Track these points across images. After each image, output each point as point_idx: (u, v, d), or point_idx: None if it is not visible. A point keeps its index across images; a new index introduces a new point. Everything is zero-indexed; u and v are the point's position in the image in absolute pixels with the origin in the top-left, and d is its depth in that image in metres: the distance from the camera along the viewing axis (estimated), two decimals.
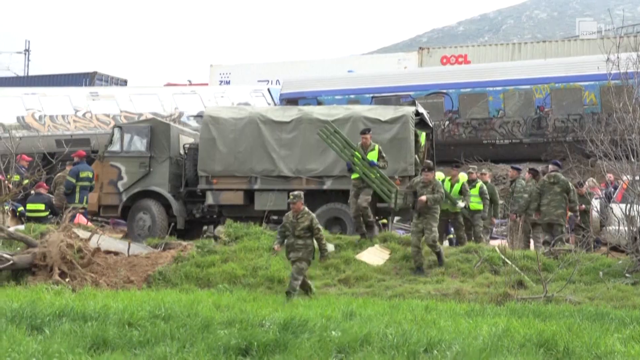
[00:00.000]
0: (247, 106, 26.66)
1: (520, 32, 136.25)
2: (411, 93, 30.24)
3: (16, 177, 20.60)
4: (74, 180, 20.53)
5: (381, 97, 30.49)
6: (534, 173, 20.22)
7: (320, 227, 14.69)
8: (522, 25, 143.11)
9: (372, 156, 17.67)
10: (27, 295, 13.28)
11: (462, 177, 19.91)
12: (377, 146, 17.75)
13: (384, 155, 17.75)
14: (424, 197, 16.01)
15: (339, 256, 16.99)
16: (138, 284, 15.62)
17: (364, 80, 32.91)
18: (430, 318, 11.55)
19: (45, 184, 21.82)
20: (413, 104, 21.93)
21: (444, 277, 15.82)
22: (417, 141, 20.04)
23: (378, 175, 17.74)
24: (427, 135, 21.49)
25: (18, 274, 15.36)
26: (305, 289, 14.55)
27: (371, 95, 31.09)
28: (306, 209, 14.69)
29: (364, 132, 17.95)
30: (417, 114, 20.51)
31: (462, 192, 19.28)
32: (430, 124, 21.75)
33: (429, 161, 17.52)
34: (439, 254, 16.32)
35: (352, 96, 31.41)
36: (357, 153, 17.75)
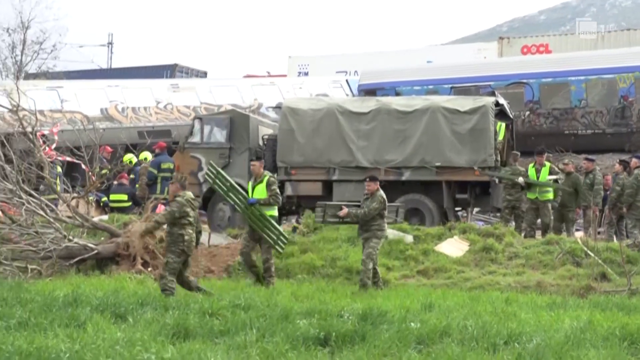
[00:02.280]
0: (326, 97, 26.67)
1: (604, 20, 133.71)
2: (491, 83, 29.89)
3: (105, 171, 21.04)
4: (155, 171, 20.84)
5: (460, 88, 30.21)
6: (625, 165, 19.74)
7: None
8: (605, 14, 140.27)
9: (259, 191, 14.78)
10: (111, 284, 13.56)
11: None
12: (266, 177, 14.90)
13: (274, 187, 14.86)
14: (345, 210, 14.55)
15: (418, 247, 16.91)
16: (218, 273, 15.81)
17: (442, 71, 32.64)
18: (511, 310, 11.43)
19: (127, 175, 22.18)
20: (493, 94, 21.70)
21: (524, 269, 15.64)
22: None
23: (258, 214, 14.70)
24: (507, 126, 21.24)
25: (102, 263, 15.67)
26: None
27: (450, 85, 30.83)
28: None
29: (252, 160, 15.94)
30: (497, 104, 20.28)
31: (552, 174, 18.75)
32: (511, 115, 21.48)
33: (373, 174, 15.86)
34: (364, 273, 14.17)
35: (430, 87, 31.18)
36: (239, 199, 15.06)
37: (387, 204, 14.45)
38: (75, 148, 18.72)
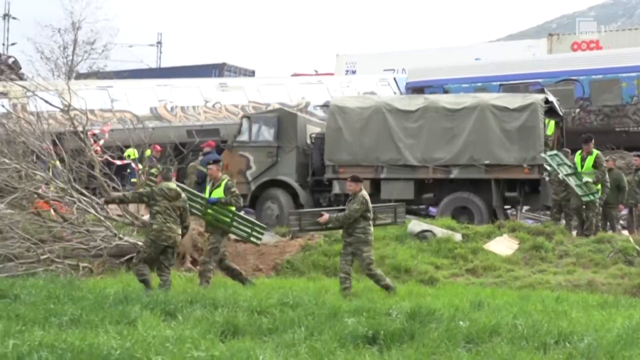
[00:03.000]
0: (373, 95, 26.66)
1: None
2: (540, 80, 29.60)
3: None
4: (205, 170, 20.96)
5: (509, 85, 29.96)
6: None
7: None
8: None
9: (217, 195, 14.08)
10: (156, 281, 13.66)
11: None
12: (224, 181, 14.16)
13: (234, 189, 14.16)
14: (325, 216, 13.73)
15: (467, 246, 16.82)
16: (267, 272, 15.87)
17: (491, 68, 32.37)
18: (561, 309, 11.32)
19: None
20: (542, 91, 21.50)
21: (575, 267, 15.48)
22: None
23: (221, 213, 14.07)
24: (556, 123, 21.04)
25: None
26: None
27: (499, 83, 30.57)
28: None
29: (210, 163, 15.06)
30: (547, 101, 20.10)
31: (596, 166, 18.30)
32: (560, 112, 21.27)
33: (355, 174, 14.72)
34: (377, 280, 13.55)
35: (479, 84, 30.94)
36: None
37: (370, 205, 13.44)
38: (125, 147, 18.91)
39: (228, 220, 14.03)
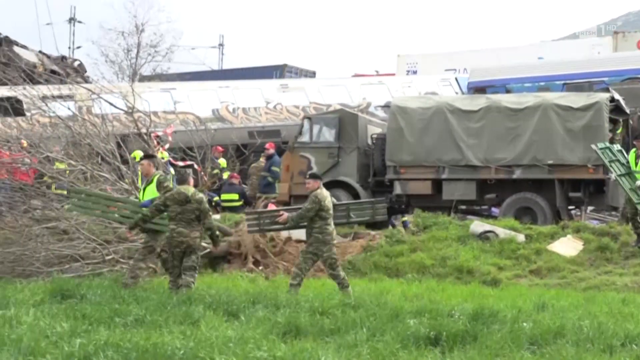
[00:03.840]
0: (435, 96, 26.51)
1: None
2: (605, 79, 29.17)
3: (223, 164, 21.39)
4: (279, 170, 21.12)
5: (573, 84, 29.58)
6: None
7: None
8: None
9: (150, 191, 13.67)
10: (223, 282, 13.78)
11: None
12: (156, 177, 13.69)
13: (167, 184, 13.67)
14: (284, 215, 13.49)
15: (530, 247, 16.65)
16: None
17: (555, 67, 31.98)
18: (628, 311, 11.15)
19: (237, 175, 22.49)
20: (607, 90, 21.18)
21: None
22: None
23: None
24: (623, 122, 20.71)
25: (214, 261, 15.92)
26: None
27: (563, 82, 30.20)
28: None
29: (142, 159, 14.56)
30: (612, 100, 19.79)
31: None
32: (627, 111, 20.94)
33: (314, 172, 14.73)
34: (339, 283, 13.15)
35: (542, 84, 30.60)
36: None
37: (324, 204, 12.98)
38: (187, 148, 19.09)
39: (159, 225, 13.36)
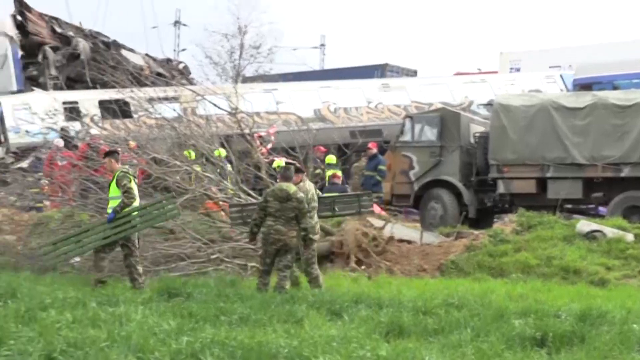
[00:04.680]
0: (539, 93, 26.09)
1: None
2: None
3: (331, 160, 21.48)
4: (385, 169, 21.12)
5: None
6: None
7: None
8: None
9: (113, 188, 13.26)
10: (326, 281, 13.82)
11: None
12: (117, 173, 13.20)
13: (124, 182, 12.98)
14: None
15: None
16: (431, 272, 15.79)
17: None
18: None
19: (339, 174, 22.54)
20: None
21: None
22: None
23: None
24: None
25: (317, 260, 15.98)
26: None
27: None
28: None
29: (105, 155, 14.00)
30: None
31: None
32: None
33: (298, 165, 14.37)
34: (311, 281, 13.21)
35: None
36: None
37: (307, 197, 12.99)
38: (290, 149, 19.23)
39: (134, 225, 13.17)
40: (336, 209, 14.42)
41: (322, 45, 66.46)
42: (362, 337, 8.87)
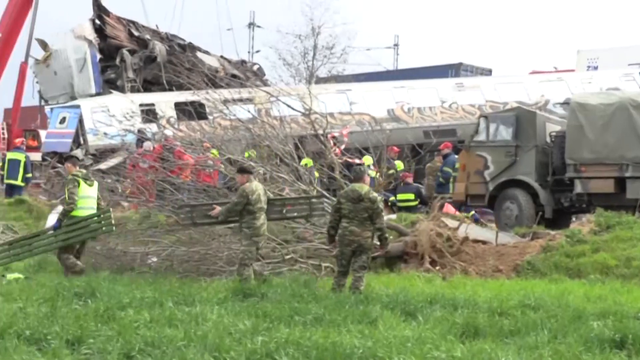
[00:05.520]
0: (617, 91, 25.63)
1: None
2: None
3: (399, 166, 21.46)
4: (451, 171, 21.01)
5: None
6: None
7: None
8: None
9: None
10: (400, 282, 13.80)
11: None
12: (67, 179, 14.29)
13: (70, 186, 13.96)
14: (217, 209, 13.65)
15: None
16: (506, 273, 15.62)
17: None
18: None
19: (410, 174, 22.48)
20: None
21: None
22: None
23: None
24: None
25: (391, 261, 15.96)
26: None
27: None
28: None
29: (65, 160, 14.87)
30: None
31: None
32: None
33: (243, 165, 14.47)
34: (240, 281, 12.95)
35: None
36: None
37: (252, 198, 13.12)
38: (363, 149, 19.24)
39: (81, 232, 14.03)
40: (285, 211, 14.35)
41: (396, 45, 66.43)
42: (437, 338, 8.83)
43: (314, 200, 14.66)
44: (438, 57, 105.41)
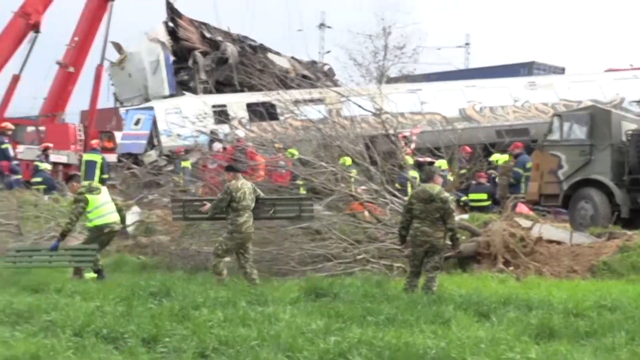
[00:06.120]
0: None
1: None
2: None
3: (464, 170, 21.29)
4: (522, 171, 20.79)
5: None
6: None
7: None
8: None
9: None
10: (473, 282, 13.69)
11: None
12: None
13: (75, 207, 14.68)
14: (207, 205, 13.82)
15: None
16: (582, 273, 15.38)
17: None
18: None
19: (484, 174, 22.30)
20: None
21: None
22: None
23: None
24: None
25: (463, 261, 15.85)
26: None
27: None
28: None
29: (69, 179, 15.49)
30: None
31: None
32: None
33: (229, 163, 14.74)
34: (214, 272, 13.44)
35: None
36: None
37: (233, 195, 13.24)
38: (435, 148, 19.15)
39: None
40: (275, 211, 14.30)
41: (467, 44, 65.96)
42: (511, 339, 8.75)
43: (303, 202, 14.72)
44: (510, 56, 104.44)
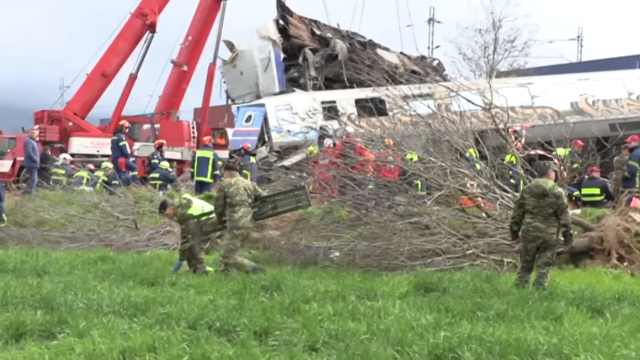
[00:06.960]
0: None
1: None
2: None
3: (576, 165, 20.89)
4: (637, 165, 20.28)
5: None
6: None
7: None
8: None
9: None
10: (586, 278, 13.47)
11: None
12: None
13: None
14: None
15: None
16: None
17: None
18: None
19: (597, 168, 21.83)
20: None
21: None
22: None
23: None
24: None
25: (575, 257, 15.60)
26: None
27: None
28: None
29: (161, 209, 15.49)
30: None
31: None
32: None
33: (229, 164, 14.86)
34: (223, 270, 13.70)
35: None
36: None
37: (225, 191, 13.68)
38: (546, 143, 18.86)
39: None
40: (277, 207, 14.48)
41: (579, 37, 64.59)
42: (625, 336, 8.59)
43: (297, 192, 14.83)
44: (624, 48, 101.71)
